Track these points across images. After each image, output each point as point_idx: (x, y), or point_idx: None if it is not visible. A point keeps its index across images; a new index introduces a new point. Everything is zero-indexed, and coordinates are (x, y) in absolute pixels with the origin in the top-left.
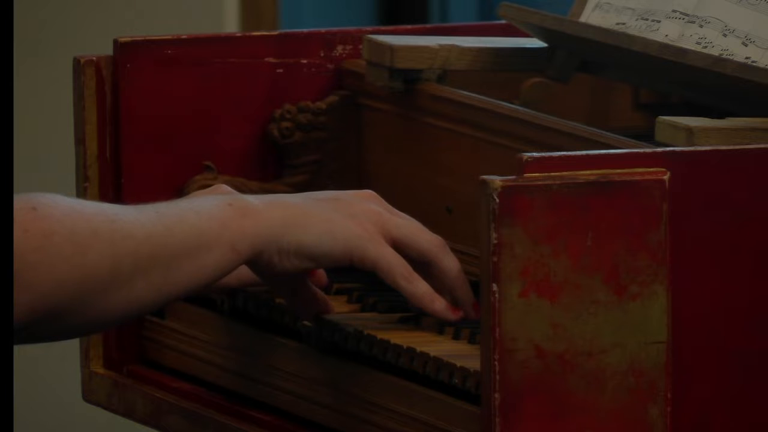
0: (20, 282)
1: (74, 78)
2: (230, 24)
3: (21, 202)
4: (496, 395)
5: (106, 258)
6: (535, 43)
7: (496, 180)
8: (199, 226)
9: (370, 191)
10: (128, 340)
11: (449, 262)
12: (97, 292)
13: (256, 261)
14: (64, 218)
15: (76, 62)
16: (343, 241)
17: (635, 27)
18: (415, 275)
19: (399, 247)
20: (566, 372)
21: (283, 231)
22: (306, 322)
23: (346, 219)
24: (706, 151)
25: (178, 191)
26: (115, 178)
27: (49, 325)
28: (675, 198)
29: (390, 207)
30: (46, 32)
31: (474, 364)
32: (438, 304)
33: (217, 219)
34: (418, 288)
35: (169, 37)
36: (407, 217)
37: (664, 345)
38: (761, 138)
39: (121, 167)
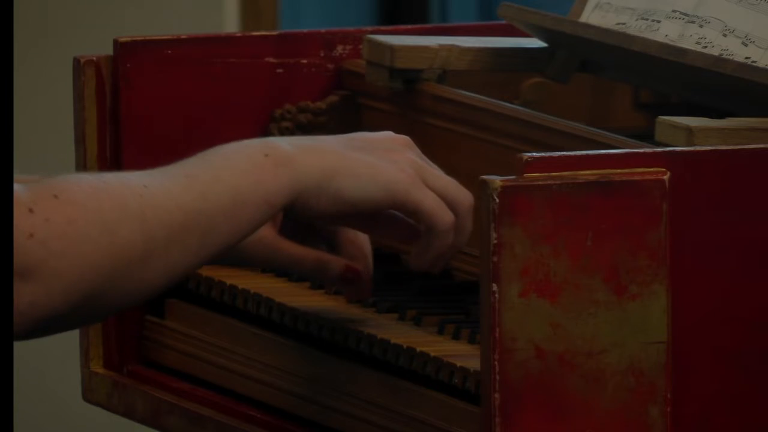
0: (48, 270)
1: (74, 78)
2: (230, 24)
3: (42, 190)
4: (496, 395)
5: (137, 234)
6: (535, 43)
7: (496, 180)
8: (234, 184)
9: (405, 137)
10: (128, 340)
11: (470, 225)
12: (131, 268)
13: (291, 207)
14: (88, 200)
15: (76, 62)
16: (385, 184)
17: (635, 27)
18: (453, 226)
19: None
20: (566, 372)
21: (321, 177)
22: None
23: (388, 165)
24: (706, 151)
25: None
26: None
27: (89, 308)
28: (675, 198)
29: (425, 158)
30: (46, 32)
31: (474, 364)
32: (441, 264)
33: (252, 174)
34: (449, 240)
35: (169, 37)
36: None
37: (664, 345)
38: (761, 138)
39: (122, 167)
